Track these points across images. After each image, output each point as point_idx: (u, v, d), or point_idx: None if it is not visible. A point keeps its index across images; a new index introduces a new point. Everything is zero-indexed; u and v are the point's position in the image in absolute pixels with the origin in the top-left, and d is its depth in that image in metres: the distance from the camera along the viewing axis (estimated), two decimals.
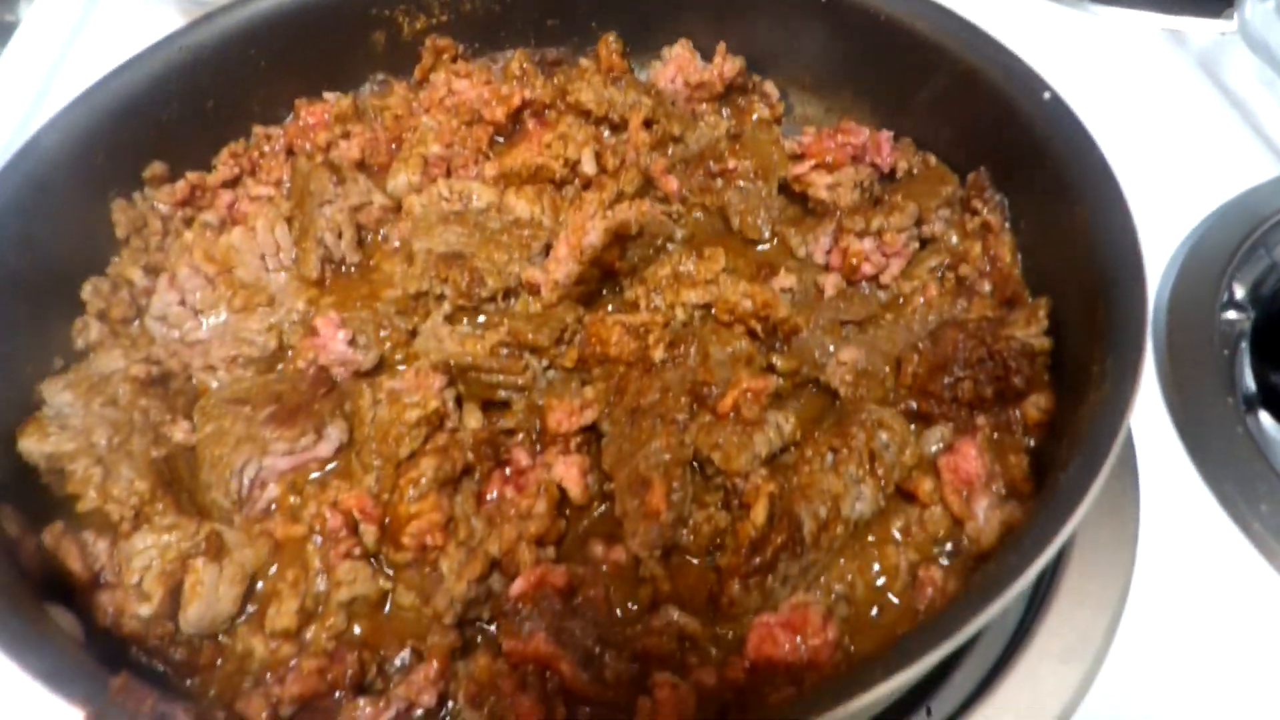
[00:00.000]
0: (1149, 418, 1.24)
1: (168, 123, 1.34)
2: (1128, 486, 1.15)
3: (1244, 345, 1.32)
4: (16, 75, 1.78)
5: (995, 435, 1.07)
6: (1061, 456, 0.91)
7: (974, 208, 1.26)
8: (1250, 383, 1.30)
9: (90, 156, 1.26)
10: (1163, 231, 1.44)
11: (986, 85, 1.23)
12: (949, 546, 1.02)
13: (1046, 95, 1.17)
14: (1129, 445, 1.18)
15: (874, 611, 0.98)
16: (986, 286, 1.22)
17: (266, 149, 1.44)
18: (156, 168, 1.34)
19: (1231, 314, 1.34)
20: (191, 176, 1.37)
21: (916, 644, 0.75)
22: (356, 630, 1.00)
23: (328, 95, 1.50)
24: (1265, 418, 1.29)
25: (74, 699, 0.78)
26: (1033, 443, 1.05)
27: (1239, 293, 1.36)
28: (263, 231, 1.28)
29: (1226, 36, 1.71)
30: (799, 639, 0.92)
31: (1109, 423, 0.85)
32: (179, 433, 1.11)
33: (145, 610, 0.96)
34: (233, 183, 1.41)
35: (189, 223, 1.34)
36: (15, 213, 1.17)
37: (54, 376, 1.13)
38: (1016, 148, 1.19)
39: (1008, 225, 1.23)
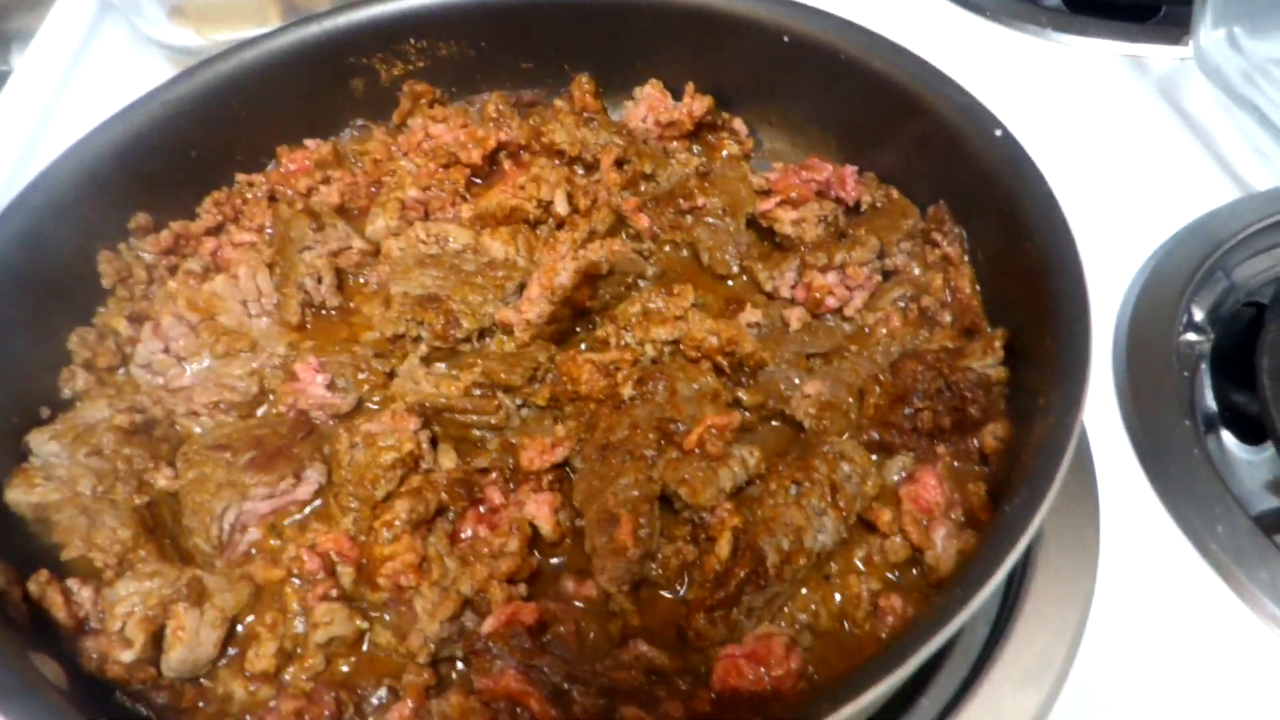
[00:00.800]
0: (1108, 439, 1.27)
1: (152, 174, 1.38)
2: (1088, 509, 1.18)
3: (1204, 367, 1.35)
4: (9, 122, 1.82)
5: (955, 464, 1.10)
6: (1012, 486, 0.94)
7: (934, 240, 1.30)
8: (1211, 403, 1.33)
9: (77, 210, 1.29)
10: (1123, 255, 1.48)
11: (942, 122, 1.27)
12: (910, 574, 1.05)
13: (998, 132, 1.20)
14: (1089, 467, 1.21)
15: (838, 640, 1.01)
16: (948, 317, 1.25)
17: (249, 196, 1.48)
18: (141, 218, 1.38)
19: (1191, 336, 1.38)
20: (175, 225, 1.40)
21: (867, 674, 0.78)
22: (335, 670, 1.02)
23: (308, 142, 1.54)
24: (1228, 438, 1.33)
25: None
26: (991, 471, 1.08)
27: (1198, 315, 1.39)
28: (245, 278, 1.32)
29: (1185, 63, 1.76)
30: (763, 669, 0.94)
31: (1053, 455, 0.88)
32: (162, 479, 1.14)
33: (128, 656, 0.98)
34: (216, 230, 1.44)
35: (174, 270, 1.38)
36: (5, 266, 1.21)
37: (41, 427, 1.16)
38: (971, 182, 1.23)
39: (967, 257, 1.26)
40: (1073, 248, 1.06)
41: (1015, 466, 0.99)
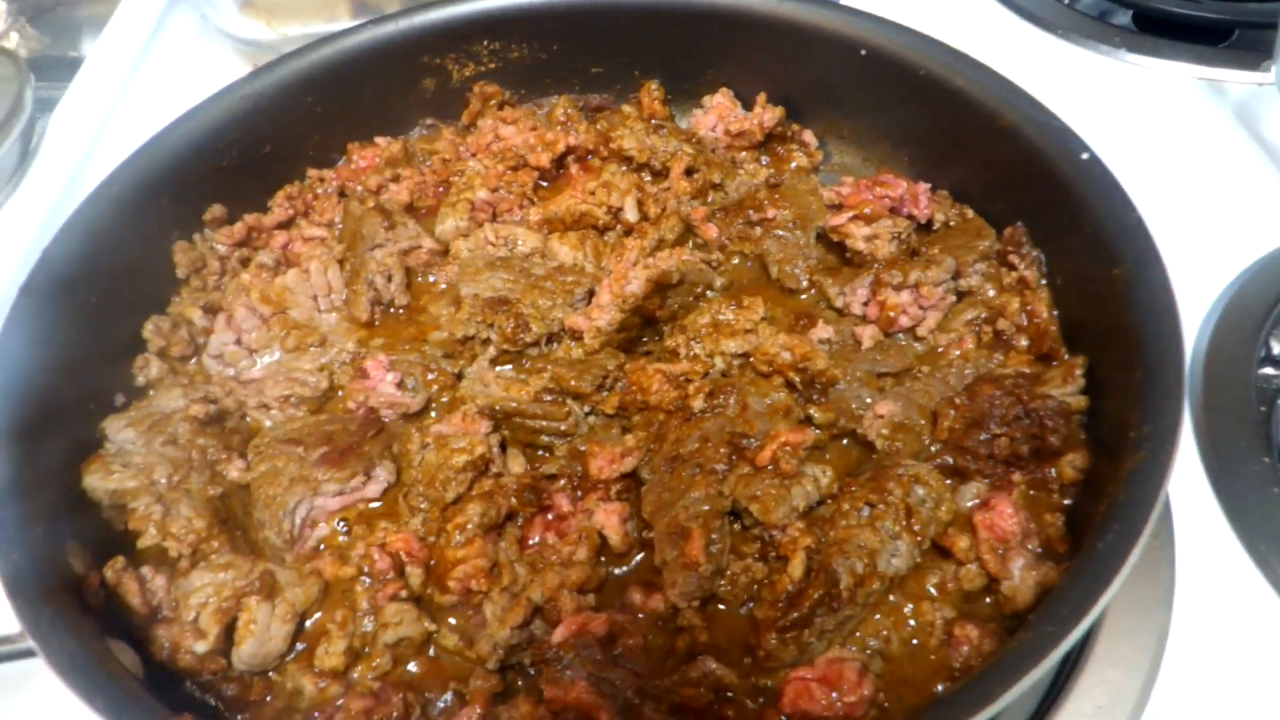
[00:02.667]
0: (1184, 474, 1.24)
1: (227, 167, 1.40)
2: (1163, 544, 1.15)
3: None
4: (82, 108, 1.84)
5: (1031, 493, 1.09)
6: (1098, 520, 0.92)
7: (1011, 262, 1.28)
8: None
9: (155, 200, 1.32)
10: (1199, 286, 1.45)
11: (1024, 142, 1.25)
12: (984, 603, 1.03)
13: (1085, 155, 1.18)
14: (1164, 503, 1.18)
15: (909, 668, 0.99)
16: (1023, 341, 1.23)
17: (320, 191, 1.49)
18: (216, 210, 1.40)
19: (1269, 370, 1.35)
20: (248, 218, 1.42)
21: (953, 709, 0.77)
22: (401, 672, 1.02)
23: (379, 139, 1.55)
24: None
25: None
26: (1068, 501, 1.06)
27: (1277, 349, 1.36)
28: (315, 273, 1.33)
29: (1264, 88, 1.72)
30: (835, 694, 0.93)
31: (1146, 492, 0.87)
32: (234, 471, 1.15)
33: (201, 646, 0.99)
34: (287, 224, 1.46)
35: (245, 263, 1.39)
36: (84, 254, 1.22)
37: (116, 414, 1.17)
38: (1053, 205, 1.21)
39: (1044, 281, 1.25)
40: (1164, 278, 1.04)
41: (1098, 499, 0.97)
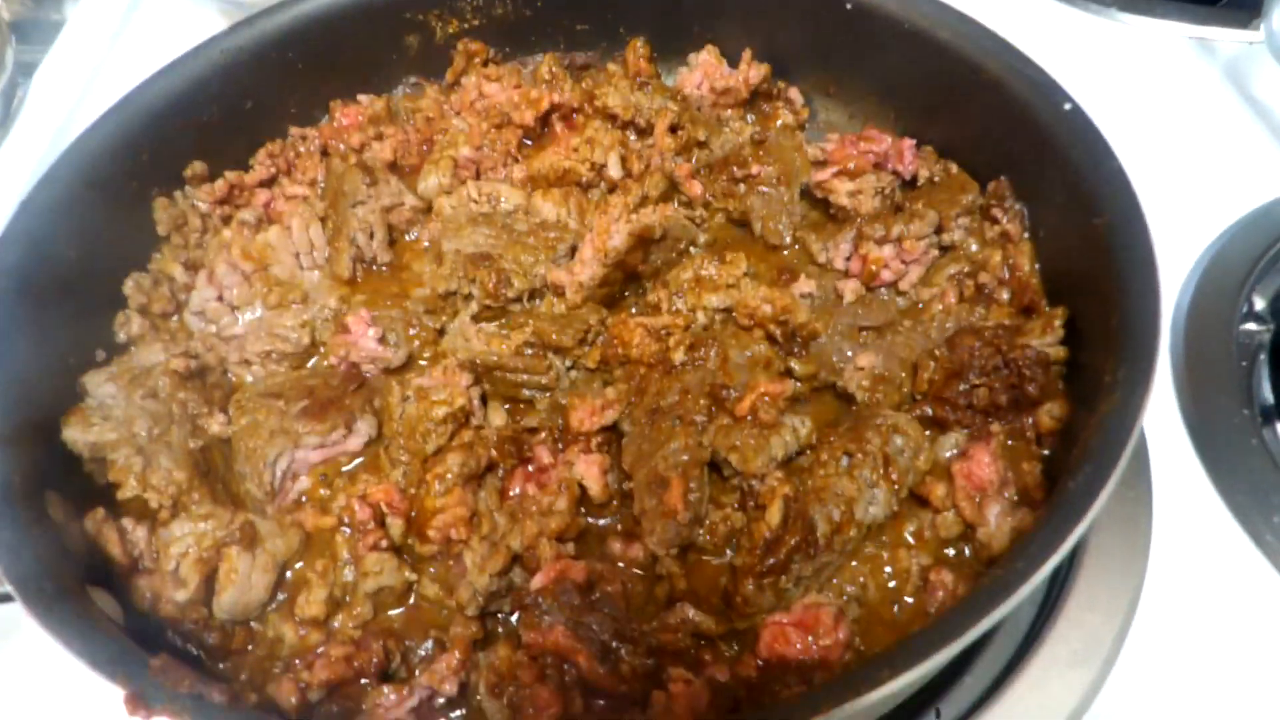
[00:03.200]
0: (1164, 426, 1.25)
1: (208, 123, 1.39)
2: (1141, 494, 1.16)
3: (1263, 357, 1.32)
4: (63, 71, 1.83)
5: (1009, 442, 1.09)
6: (1072, 464, 0.93)
7: (994, 216, 1.28)
8: (1269, 395, 1.30)
9: (134, 156, 1.31)
10: (1184, 241, 1.45)
11: (1009, 95, 1.24)
12: (961, 550, 1.04)
13: (1068, 106, 1.17)
14: (1143, 453, 1.19)
15: (885, 613, 1.00)
16: (1005, 294, 1.23)
17: (302, 149, 1.48)
18: (197, 167, 1.39)
19: (1251, 325, 1.35)
20: (230, 175, 1.41)
21: (923, 644, 0.78)
22: (382, 620, 1.03)
23: (362, 97, 1.54)
24: None
25: (115, 678, 0.82)
26: (1046, 450, 1.07)
27: (1259, 304, 1.36)
28: (298, 230, 1.33)
29: (1254, 46, 1.71)
30: (810, 638, 0.94)
31: (1119, 432, 0.87)
32: (215, 425, 1.15)
33: (181, 595, 1.00)
34: (269, 182, 1.45)
35: (227, 220, 1.38)
36: (63, 210, 1.22)
37: (97, 369, 1.17)
38: (1037, 157, 1.20)
39: (1027, 234, 1.24)
40: (1144, 226, 1.03)
41: (1075, 446, 0.97)
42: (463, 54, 1.57)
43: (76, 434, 1.09)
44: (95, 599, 0.94)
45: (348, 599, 1.04)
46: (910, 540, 1.04)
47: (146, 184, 1.34)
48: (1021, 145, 1.24)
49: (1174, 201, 1.49)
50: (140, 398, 1.13)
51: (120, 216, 1.30)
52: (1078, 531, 0.81)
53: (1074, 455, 0.93)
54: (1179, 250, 1.43)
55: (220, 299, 1.28)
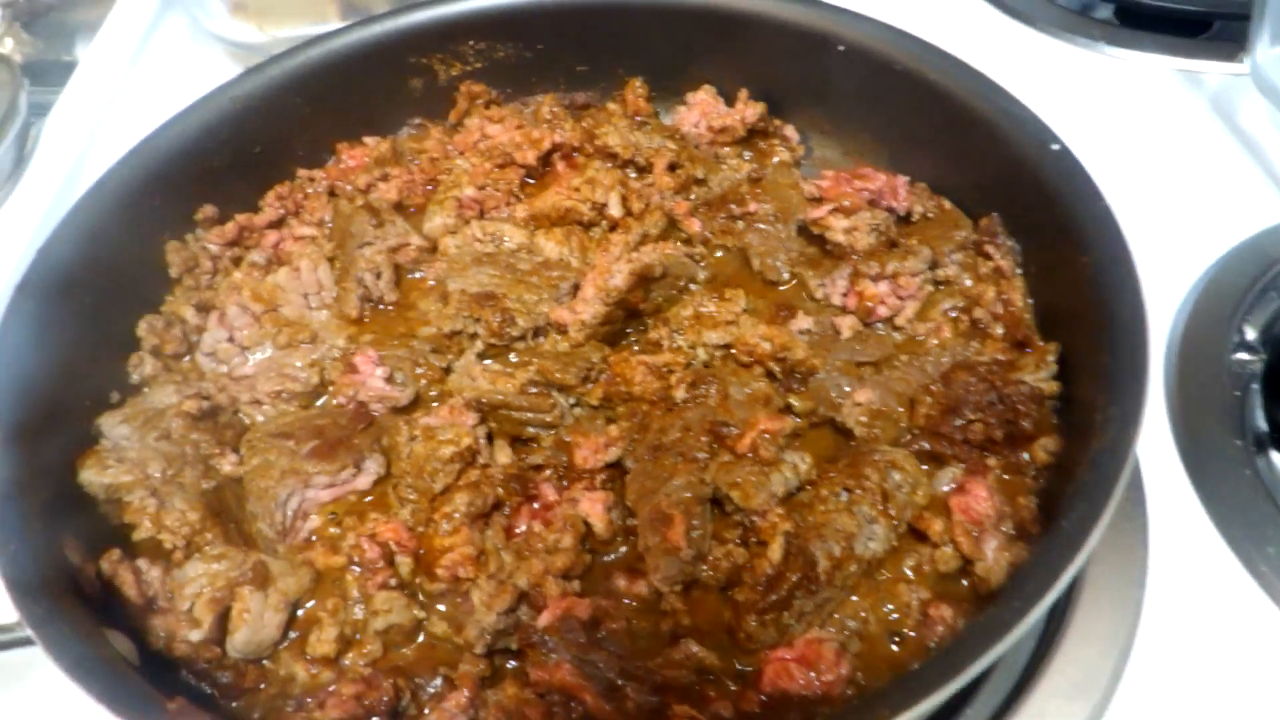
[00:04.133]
0: (1159, 457, 1.27)
1: (218, 167, 1.42)
2: (1137, 526, 1.18)
3: (1255, 386, 1.34)
4: (77, 111, 1.87)
5: (1005, 476, 1.11)
6: (1066, 500, 0.95)
7: (986, 252, 1.31)
8: (1261, 424, 1.32)
9: (147, 200, 1.34)
10: (1174, 272, 1.47)
11: (998, 134, 1.28)
12: (960, 584, 1.06)
13: (1056, 146, 1.21)
14: (1138, 485, 1.21)
15: (886, 648, 1.02)
16: (999, 329, 1.25)
17: (310, 190, 1.52)
18: (207, 210, 1.42)
19: (1243, 355, 1.37)
20: (240, 218, 1.44)
21: (920, 683, 0.79)
22: (392, 658, 1.05)
23: (367, 139, 1.57)
24: (1278, 459, 1.32)
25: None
26: (1042, 484, 1.09)
27: (1250, 334, 1.39)
28: (306, 271, 1.36)
29: (1240, 79, 1.74)
30: (812, 673, 0.96)
31: (1110, 469, 0.89)
32: (227, 465, 1.18)
33: (195, 635, 1.02)
34: (278, 223, 1.48)
35: (237, 261, 1.42)
36: (79, 253, 1.25)
37: (111, 410, 1.20)
38: (1026, 196, 1.23)
39: (1019, 270, 1.27)
40: (1130, 264, 1.06)
41: (1069, 481, 0.99)
42: (465, 95, 1.61)
43: (92, 476, 1.12)
44: (112, 641, 0.96)
45: (358, 637, 1.05)
46: (909, 575, 1.06)
47: (159, 227, 1.37)
48: (1011, 183, 1.27)
49: (1163, 233, 1.52)
50: (154, 439, 1.16)
51: (134, 259, 1.33)
52: (1072, 569, 0.83)
53: (1067, 492, 0.95)
54: (1169, 281, 1.46)
55: (231, 340, 1.31)
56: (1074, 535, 0.86)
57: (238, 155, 1.44)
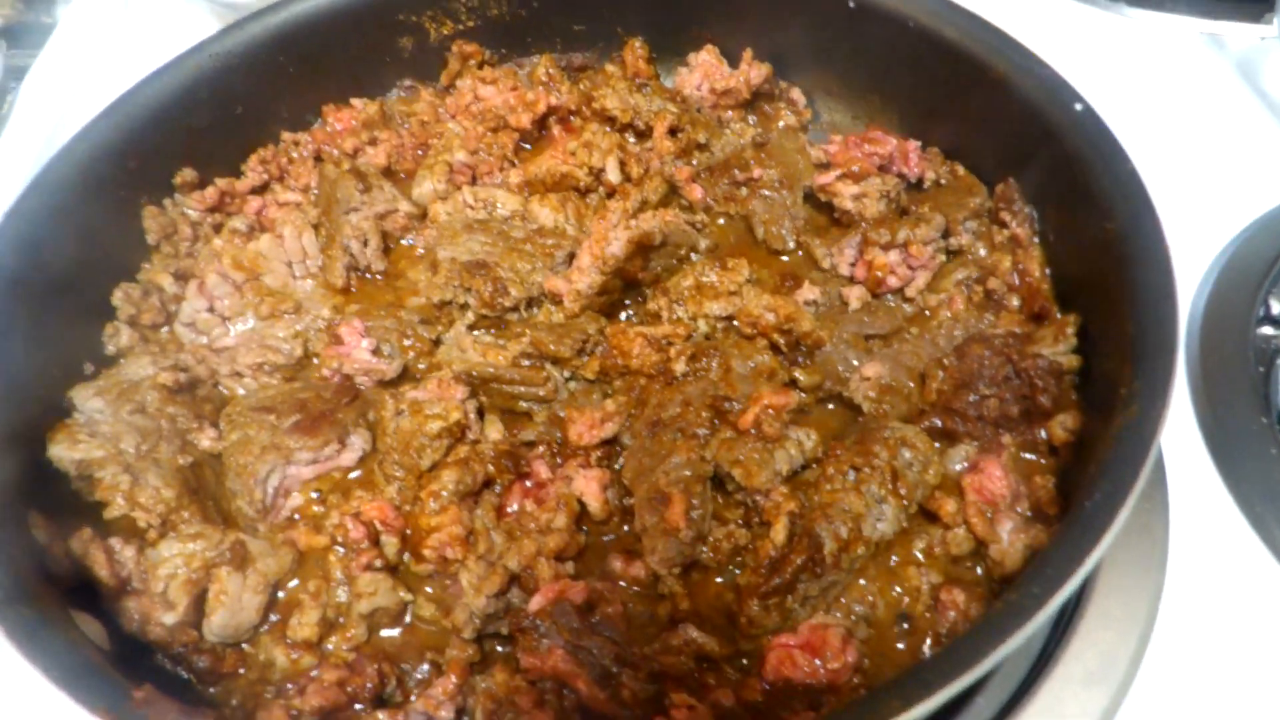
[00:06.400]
0: (1180, 434, 1.21)
1: (198, 129, 1.36)
2: (1157, 506, 1.13)
3: (1279, 362, 1.29)
4: (54, 75, 1.80)
5: (1021, 455, 1.06)
6: (1087, 480, 0.89)
7: (1002, 220, 1.25)
8: None
9: (123, 162, 1.28)
10: (1197, 243, 1.41)
11: (1017, 94, 1.21)
12: (971, 568, 1.01)
13: (1079, 106, 1.14)
14: (1159, 463, 1.16)
15: (894, 633, 0.97)
16: (1014, 300, 1.20)
17: (294, 155, 1.46)
18: (187, 173, 1.36)
19: (1268, 330, 1.31)
20: (221, 182, 1.38)
21: (937, 673, 0.75)
22: (376, 642, 1.00)
23: (355, 101, 1.51)
24: None
25: (97, 708, 0.79)
26: (1059, 463, 1.04)
27: (1276, 308, 1.33)
28: (290, 238, 1.30)
29: (1266, 41, 1.67)
30: (818, 661, 0.91)
31: (1136, 448, 0.84)
32: (205, 440, 1.13)
33: (170, 618, 0.97)
34: (261, 188, 1.42)
35: (218, 228, 1.36)
36: (49, 218, 1.19)
37: (84, 383, 1.15)
38: (1047, 159, 1.17)
39: (1036, 239, 1.21)
40: (1158, 231, 1.00)
41: (1090, 459, 0.94)
42: (457, 56, 1.54)
43: (62, 451, 1.06)
44: (80, 624, 0.92)
45: (341, 620, 1.01)
46: (920, 557, 1.01)
47: (135, 191, 1.31)
48: (1030, 146, 1.20)
49: (1186, 202, 1.45)
50: (128, 413, 1.11)
51: (109, 225, 1.27)
52: (1096, 553, 0.78)
53: (1089, 471, 0.90)
54: (1192, 253, 1.40)
55: (211, 310, 1.26)
56: (1098, 517, 0.81)
57: (218, 116, 1.38)
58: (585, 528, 1.08)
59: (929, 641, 0.96)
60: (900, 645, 0.97)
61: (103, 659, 0.88)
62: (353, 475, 1.14)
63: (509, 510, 1.07)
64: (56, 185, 1.21)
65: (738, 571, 1.01)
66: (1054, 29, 1.78)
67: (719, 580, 1.03)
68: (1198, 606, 1.08)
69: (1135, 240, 1.01)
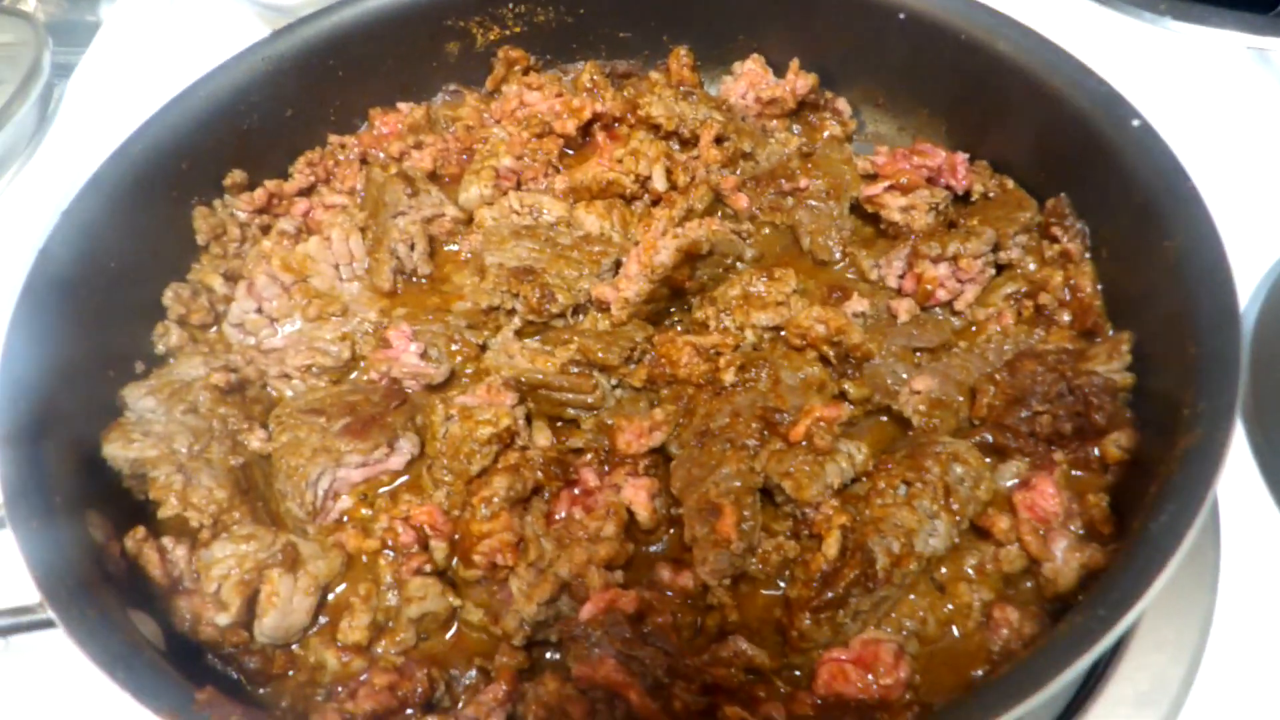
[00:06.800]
0: (1232, 455, 1.19)
1: (248, 131, 1.37)
2: (1208, 526, 1.12)
3: None
4: (100, 73, 1.82)
5: (1073, 472, 1.05)
6: (1149, 500, 0.89)
7: (1053, 235, 1.24)
8: None
9: (176, 163, 1.29)
10: (1248, 259, 1.40)
11: (1071, 109, 1.20)
12: (1023, 585, 1.00)
13: (1136, 122, 1.13)
14: None
15: (944, 651, 0.96)
16: (1065, 316, 1.19)
17: (341, 157, 1.47)
18: (237, 175, 1.37)
19: None
20: (269, 184, 1.39)
21: (996, 698, 0.74)
22: (425, 647, 1.01)
23: (401, 105, 1.51)
24: None
25: (162, 710, 0.79)
26: (1113, 482, 1.03)
27: None
28: (338, 241, 1.30)
29: None
30: (870, 676, 0.91)
31: (1203, 470, 0.83)
32: (255, 441, 1.13)
33: (223, 618, 0.97)
34: (308, 190, 1.43)
35: (266, 230, 1.37)
36: (104, 218, 1.21)
37: (136, 382, 1.16)
38: (1101, 175, 1.16)
39: (1088, 254, 1.20)
40: (1220, 249, 1.00)
41: (1150, 479, 0.93)
42: (503, 61, 1.55)
43: (117, 450, 1.07)
44: (137, 623, 0.92)
45: (390, 624, 1.01)
46: (971, 574, 1.00)
47: (186, 192, 1.33)
48: (1083, 162, 1.20)
49: (1234, 218, 1.42)
50: (180, 412, 1.11)
51: (160, 225, 1.29)
52: (1164, 576, 0.77)
53: (1150, 492, 0.89)
54: (1242, 269, 1.38)
55: (259, 310, 1.26)
56: (1165, 539, 0.80)
57: (268, 119, 1.39)
58: (633, 536, 1.07)
59: (981, 660, 0.95)
60: (950, 663, 0.96)
61: (164, 663, 0.88)
62: (401, 479, 1.14)
63: (557, 517, 1.07)
64: (111, 185, 1.22)
65: (784, 584, 1.01)
66: (1095, 41, 1.76)
67: (766, 592, 1.02)
68: (1250, 630, 1.06)
69: (1197, 259, 1.00)
